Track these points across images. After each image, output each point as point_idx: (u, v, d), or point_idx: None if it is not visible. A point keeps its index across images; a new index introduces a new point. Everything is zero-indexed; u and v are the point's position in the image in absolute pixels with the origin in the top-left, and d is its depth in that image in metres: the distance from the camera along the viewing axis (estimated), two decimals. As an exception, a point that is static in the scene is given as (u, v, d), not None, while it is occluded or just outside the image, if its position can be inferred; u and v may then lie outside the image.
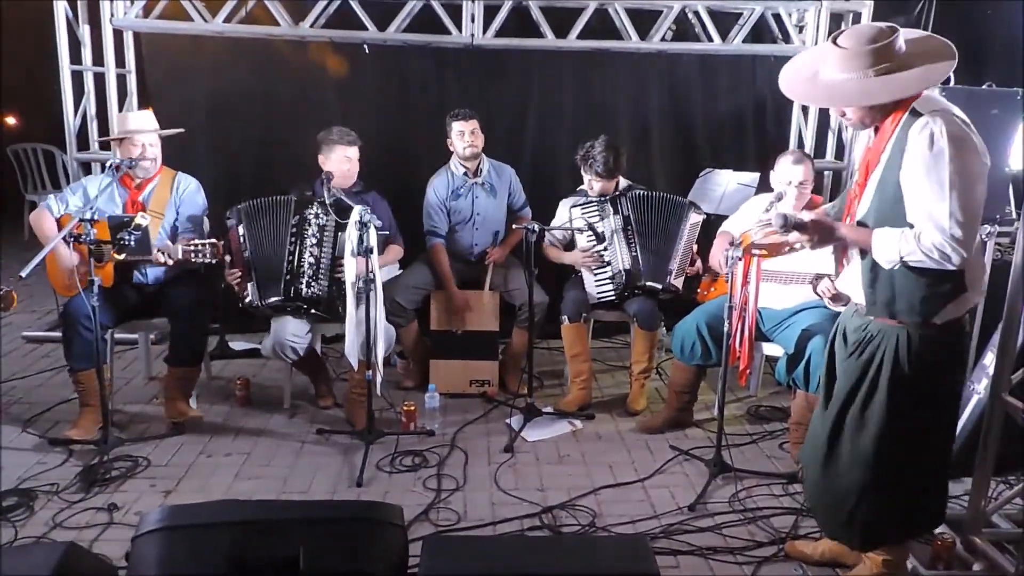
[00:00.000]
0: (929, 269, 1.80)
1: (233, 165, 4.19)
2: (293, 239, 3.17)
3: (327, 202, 3.22)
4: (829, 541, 2.36)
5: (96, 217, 2.72)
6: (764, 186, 3.71)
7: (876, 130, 1.94)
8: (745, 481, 2.88)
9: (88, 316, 2.80)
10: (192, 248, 2.88)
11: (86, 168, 4.20)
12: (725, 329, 2.77)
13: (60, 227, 3.08)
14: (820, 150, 4.50)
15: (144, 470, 2.89)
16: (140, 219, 2.79)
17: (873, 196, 1.91)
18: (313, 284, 3.17)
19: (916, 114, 1.81)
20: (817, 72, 1.90)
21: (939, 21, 4.47)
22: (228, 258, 3.09)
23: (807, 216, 1.98)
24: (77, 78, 4.12)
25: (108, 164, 3.18)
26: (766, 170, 3.74)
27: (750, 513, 2.68)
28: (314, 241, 3.19)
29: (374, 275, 2.89)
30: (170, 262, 2.89)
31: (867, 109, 1.88)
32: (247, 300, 3.19)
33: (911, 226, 1.80)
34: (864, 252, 1.93)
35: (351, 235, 2.88)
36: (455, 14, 4.03)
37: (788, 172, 3.03)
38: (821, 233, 1.92)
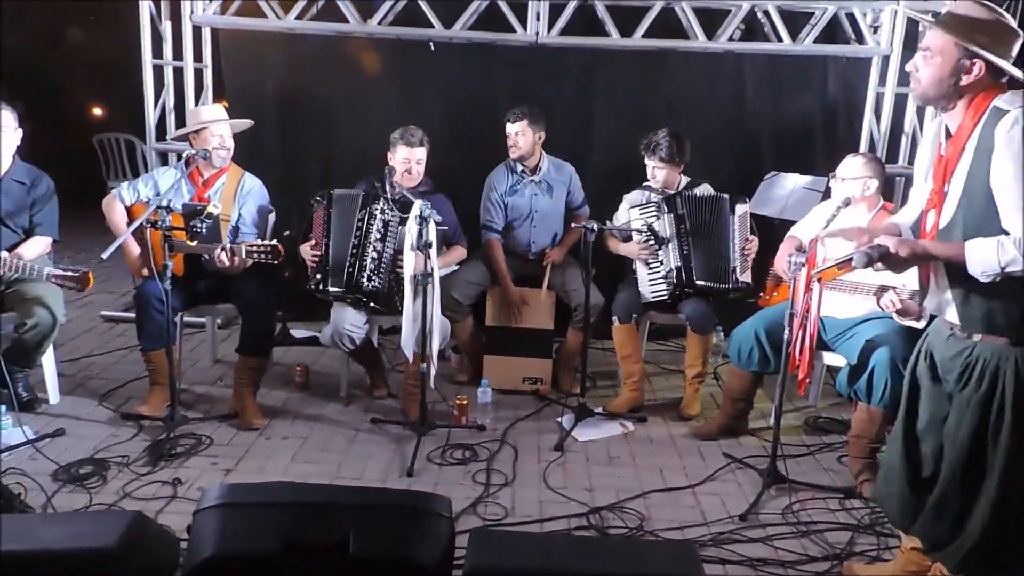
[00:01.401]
0: None
1: (299, 160, 4.32)
2: (358, 232, 3.22)
3: (389, 196, 3.28)
4: (894, 566, 2.26)
5: (171, 206, 2.84)
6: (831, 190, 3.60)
7: (948, 135, 1.85)
8: (800, 493, 2.81)
9: (160, 299, 2.93)
10: (255, 249, 2.96)
11: (163, 158, 4.40)
12: (785, 336, 2.71)
13: (131, 215, 3.22)
14: (892, 154, 4.35)
15: (207, 448, 3.01)
16: (212, 208, 2.90)
17: (959, 203, 1.79)
18: (374, 278, 3.22)
19: (1000, 112, 1.70)
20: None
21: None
22: (311, 239, 3.20)
23: (889, 242, 1.82)
24: (158, 72, 4.31)
25: (183, 156, 3.31)
26: (833, 173, 3.65)
27: (804, 526, 2.60)
28: (378, 236, 3.23)
29: (432, 269, 2.93)
30: (228, 263, 2.96)
31: (943, 84, 1.78)
32: (314, 283, 3.26)
33: (1006, 233, 1.68)
34: (955, 266, 1.79)
35: (411, 229, 2.93)
36: (520, 12, 4.05)
37: (845, 168, 2.98)
38: (908, 257, 1.79)
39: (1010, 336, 1.77)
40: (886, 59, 4.13)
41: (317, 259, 3.25)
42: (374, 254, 3.23)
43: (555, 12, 4.03)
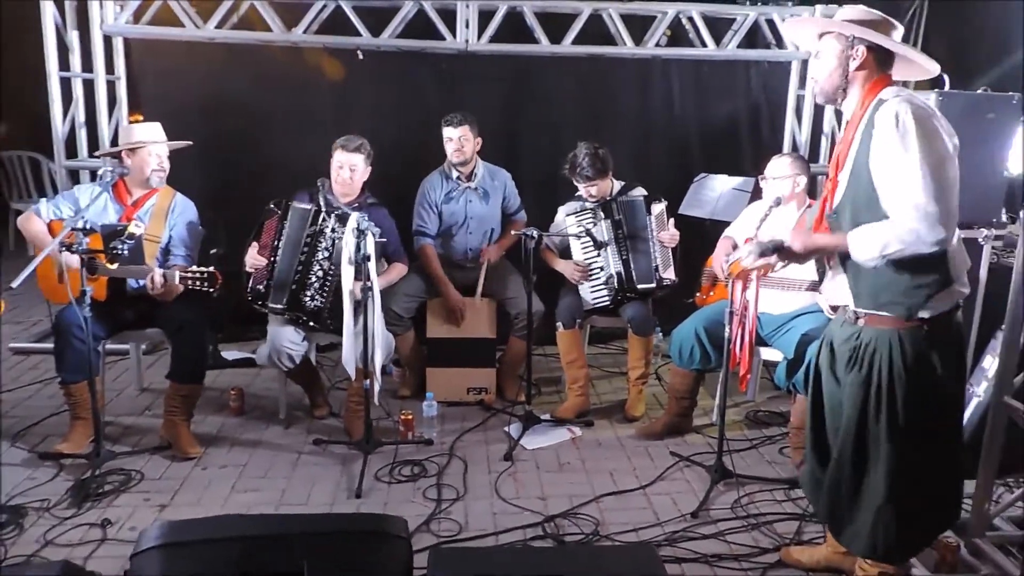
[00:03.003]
0: (912, 260, 1.77)
1: (224, 173, 4.15)
2: (306, 249, 3.13)
3: (321, 206, 3.19)
4: (827, 548, 2.35)
5: (88, 227, 2.66)
6: (758, 191, 3.72)
7: (847, 124, 1.95)
8: (747, 487, 2.87)
9: (80, 327, 2.74)
10: (190, 276, 2.81)
11: (74, 176, 4.14)
12: (726, 334, 2.76)
13: (52, 233, 3.02)
14: (813, 155, 4.53)
15: (137, 484, 2.84)
16: (133, 228, 2.74)
17: (847, 188, 1.91)
18: (317, 297, 3.13)
19: (882, 102, 1.83)
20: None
21: (931, 24, 4.50)
22: (255, 244, 3.13)
23: (785, 237, 1.97)
24: (65, 85, 4.06)
25: (100, 172, 3.13)
26: (760, 174, 3.76)
27: (753, 519, 2.67)
28: (325, 255, 3.14)
29: (372, 283, 2.86)
30: (160, 288, 2.81)
31: (833, 76, 1.92)
32: (253, 293, 3.15)
33: (887, 217, 1.79)
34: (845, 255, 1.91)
35: (348, 242, 2.85)
36: (449, 19, 4.01)
37: (773, 168, 3.07)
38: (802, 249, 1.93)
39: (895, 312, 1.88)
40: (805, 63, 4.30)
41: (262, 268, 3.14)
42: (320, 272, 3.14)
43: (484, 19, 4.02)
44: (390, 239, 3.29)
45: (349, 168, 3.26)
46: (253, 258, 3.16)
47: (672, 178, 4.37)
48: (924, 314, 1.86)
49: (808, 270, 2.83)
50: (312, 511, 2.69)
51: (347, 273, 2.89)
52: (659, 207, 3.47)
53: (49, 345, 4.10)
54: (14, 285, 2.44)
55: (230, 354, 4.12)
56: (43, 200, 3.13)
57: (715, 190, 4.16)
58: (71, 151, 4.12)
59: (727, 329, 2.76)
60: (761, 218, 2.88)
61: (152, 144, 3.09)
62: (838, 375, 2.02)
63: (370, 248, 2.84)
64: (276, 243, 3.16)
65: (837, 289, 2.02)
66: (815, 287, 2.91)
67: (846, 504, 2.01)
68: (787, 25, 2.17)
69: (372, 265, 2.86)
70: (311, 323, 3.17)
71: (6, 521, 2.53)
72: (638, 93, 4.40)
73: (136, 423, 3.36)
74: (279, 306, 3.13)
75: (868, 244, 1.80)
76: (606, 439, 3.31)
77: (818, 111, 4.39)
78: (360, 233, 2.82)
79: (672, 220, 3.52)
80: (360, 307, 2.88)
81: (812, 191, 3.57)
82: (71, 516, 2.59)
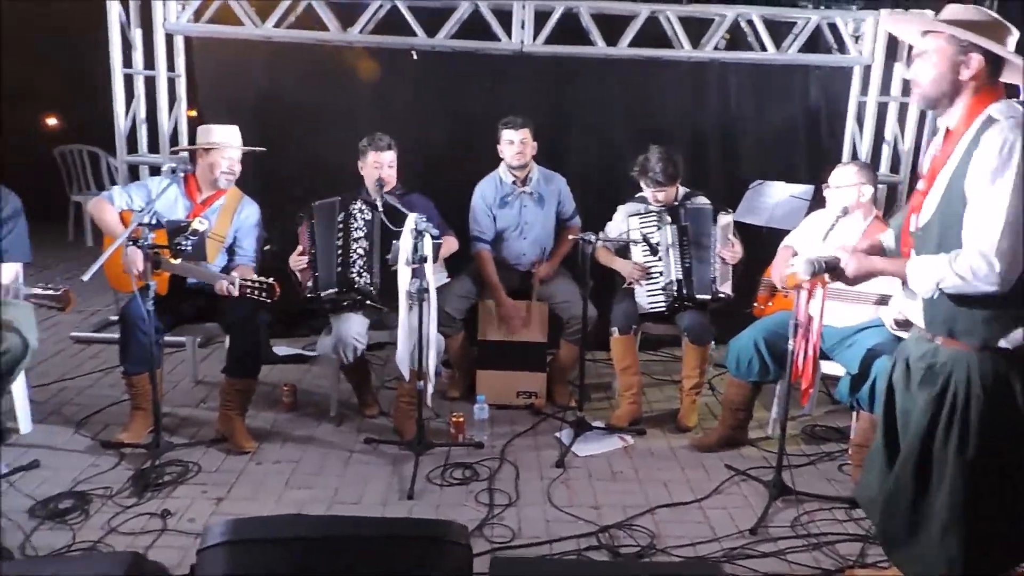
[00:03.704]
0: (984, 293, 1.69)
1: (278, 171, 4.19)
2: (340, 234, 3.18)
3: (377, 205, 3.21)
4: (893, 571, 2.26)
5: (155, 222, 2.70)
6: (818, 199, 3.62)
7: (946, 136, 1.85)
8: (806, 504, 2.79)
9: (144, 320, 2.79)
10: (250, 285, 2.89)
11: (133, 171, 4.22)
12: (789, 347, 2.69)
13: (123, 222, 3.07)
14: (874, 163, 4.39)
15: (195, 476, 2.88)
16: (197, 224, 2.78)
17: (937, 205, 1.81)
18: (364, 274, 3.18)
19: (992, 121, 1.72)
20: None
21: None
22: (299, 248, 3.20)
23: (843, 255, 1.92)
24: (128, 81, 4.14)
25: (166, 167, 3.18)
26: (818, 181, 3.66)
27: (814, 539, 2.59)
28: (361, 235, 3.20)
29: (428, 284, 2.85)
30: (233, 293, 2.89)
31: (940, 82, 1.79)
32: (309, 292, 3.21)
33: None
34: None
35: (405, 243, 2.85)
36: (505, 20, 3.99)
37: (837, 176, 2.99)
38: (854, 274, 1.89)
39: (969, 342, 1.79)
40: (868, 69, 4.18)
41: (306, 266, 3.20)
42: (360, 251, 3.19)
43: (540, 20, 3.99)
44: (433, 222, 3.29)
45: (387, 166, 3.33)
46: (294, 260, 3.24)
47: (725, 184, 4.30)
48: (1004, 344, 1.77)
49: (878, 283, 2.75)
50: (365, 510, 2.70)
51: (404, 273, 2.89)
52: (726, 219, 3.40)
53: (109, 335, 4.23)
54: (85, 278, 2.48)
55: (281, 350, 4.16)
56: (116, 187, 3.20)
57: (772, 197, 4.07)
58: (133, 146, 4.20)
59: (790, 342, 2.68)
60: (828, 228, 2.81)
61: (226, 149, 3.13)
62: (913, 393, 1.94)
63: (427, 249, 2.83)
64: (312, 242, 3.23)
65: (911, 310, 1.95)
66: (884, 301, 2.82)
67: (902, 523, 1.93)
68: (889, 18, 2.04)
69: (429, 267, 2.85)
70: (367, 301, 3.20)
71: (72, 507, 2.58)
72: (692, 97, 4.33)
73: (192, 415, 3.42)
74: (332, 291, 3.17)
75: (925, 276, 1.75)
76: (658, 448, 3.26)
77: (880, 118, 4.27)
78: (418, 234, 2.81)
79: (737, 236, 3.44)
80: (415, 307, 2.87)
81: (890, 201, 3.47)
82: (132, 505, 2.64)
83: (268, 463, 3.02)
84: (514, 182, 3.62)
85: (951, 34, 1.77)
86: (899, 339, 2.76)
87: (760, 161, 4.36)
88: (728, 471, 3.04)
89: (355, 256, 3.17)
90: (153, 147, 4.19)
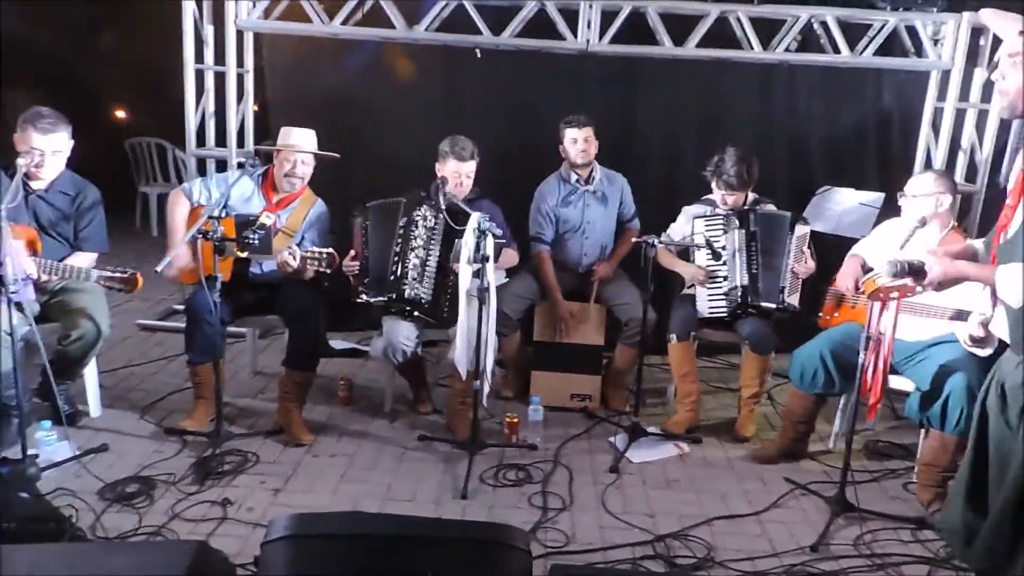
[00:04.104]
0: None
1: (342, 167, 4.23)
2: (399, 240, 3.16)
3: (442, 207, 3.20)
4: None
5: (226, 214, 2.76)
6: (889, 207, 3.49)
7: None
8: (869, 523, 2.70)
9: (211, 310, 2.85)
10: (311, 255, 2.92)
11: (201, 164, 4.33)
12: (860, 361, 2.60)
13: (193, 216, 3.14)
14: (948, 172, 4.21)
15: (253, 466, 2.93)
16: (265, 219, 2.84)
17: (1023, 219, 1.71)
18: (416, 285, 3.15)
19: None
20: None
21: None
22: (352, 252, 3.18)
23: (928, 260, 1.83)
24: (198, 76, 4.25)
25: (238, 162, 3.24)
26: (889, 189, 3.53)
27: (878, 559, 2.50)
28: (420, 243, 3.16)
29: (489, 284, 2.84)
30: (294, 264, 2.92)
31: None
32: (357, 297, 3.21)
33: None
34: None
35: (468, 242, 2.84)
36: (571, 19, 3.95)
37: (915, 185, 2.88)
38: (941, 276, 1.79)
39: None
40: (947, 73, 4.01)
41: (355, 270, 3.20)
42: (416, 260, 3.15)
43: (606, 20, 3.94)
44: (497, 224, 3.27)
45: (466, 176, 3.29)
46: (347, 264, 3.21)
47: (791, 189, 4.17)
48: None
49: (955, 297, 2.64)
50: (419, 508, 2.71)
51: (465, 273, 2.89)
52: (803, 229, 3.29)
53: (173, 323, 4.34)
54: (158, 270, 2.55)
55: (337, 343, 4.21)
56: (197, 180, 3.27)
57: (840, 204, 3.95)
58: (201, 140, 4.30)
59: (861, 355, 2.59)
60: (905, 238, 2.69)
61: (294, 151, 3.16)
62: (1010, 421, 1.83)
63: (489, 249, 2.82)
64: (364, 244, 3.22)
65: (1000, 327, 1.86)
66: (961, 316, 2.70)
67: (999, 562, 1.83)
68: (990, 12, 1.91)
69: (491, 266, 2.84)
70: (415, 312, 3.19)
71: (138, 491, 2.66)
72: (759, 98, 4.22)
73: (251, 405, 3.49)
74: (381, 299, 3.16)
75: (1014, 283, 1.65)
76: (714, 458, 3.19)
77: (957, 125, 4.08)
78: (481, 234, 2.81)
79: (812, 249, 3.32)
80: (475, 307, 2.86)
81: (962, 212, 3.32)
82: (194, 492, 2.71)
83: (324, 456, 3.06)
84: (577, 180, 3.59)
85: None
86: (974, 356, 2.65)
87: (828, 167, 4.23)
88: (788, 484, 2.96)
89: (410, 266, 3.14)
90: (220, 141, 4.29)
